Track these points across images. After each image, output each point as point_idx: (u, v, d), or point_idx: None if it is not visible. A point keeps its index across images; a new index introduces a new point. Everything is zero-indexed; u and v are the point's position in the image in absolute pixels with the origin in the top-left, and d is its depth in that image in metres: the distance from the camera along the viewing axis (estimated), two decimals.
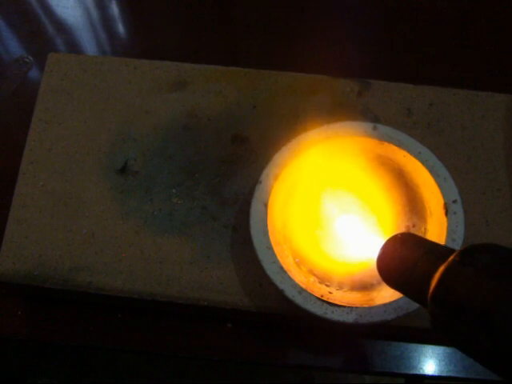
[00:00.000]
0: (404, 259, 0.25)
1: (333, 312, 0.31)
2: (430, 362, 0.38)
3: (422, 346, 0.38)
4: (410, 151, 0.34)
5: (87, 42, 0.50)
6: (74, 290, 0.36)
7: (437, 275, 0.21)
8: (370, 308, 0.31)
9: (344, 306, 0.31)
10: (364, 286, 0.34)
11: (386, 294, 0.32)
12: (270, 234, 0.33)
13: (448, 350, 0.38)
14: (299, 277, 0.33)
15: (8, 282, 0.37)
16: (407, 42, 0.49)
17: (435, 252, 0.23)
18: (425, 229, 0.34)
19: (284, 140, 0.35)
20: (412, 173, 0.35)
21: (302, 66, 0.43)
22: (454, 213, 0.32)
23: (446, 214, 0.32)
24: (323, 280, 0.34)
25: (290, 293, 0.32)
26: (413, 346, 0.38)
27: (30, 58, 0.49)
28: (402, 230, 0.35)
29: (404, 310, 0.31)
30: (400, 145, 0.35)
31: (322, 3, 0.51)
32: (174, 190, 0.38)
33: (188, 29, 0.50)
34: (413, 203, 0.35)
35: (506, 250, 0.20)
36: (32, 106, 0.40)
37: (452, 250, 0.23)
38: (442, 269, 0.21)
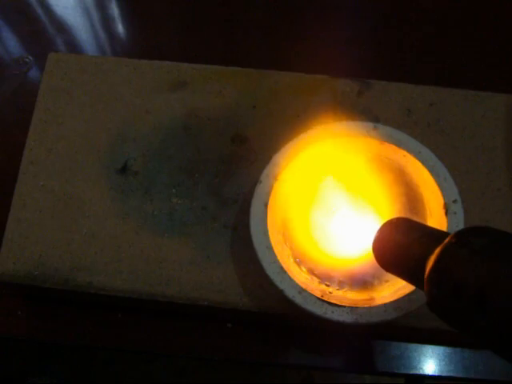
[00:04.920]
0: (399, 243, 0.25)
1: (333, 312, 0.31)
2: (429, 362, 0.38)
3: (422, 345, 0.38)
4: (410, 151, 0.34)
5: (87, 42, 0.50)
6: (74, 289, 0.36)
7: (433, 257, 0.21)
8: (370, 308, 0.31)
9: (344, 306, 0.31)
10: (364, 286, 0.34)
11: (386, 294, 0.32)
12: (270, 234, 0.33)
13: (448, 349, 0.38)
14: (299, 277, 0.33)
15: (8, 282, 0.37)
16: (407, 42, 0.49)
17: (430, 235, 0.24)
18: None
19: (284, 140, 0.35)
20: (412, 173, 0.35)
21: (301, 66, 0.43)
22: (454, 213, 0.32)
23: (446, 213, 0.32)
24: (323, 280, 0.34)
25: (290, 293, 0.32)
26: (413, 346, 0.38)
27: (30, 57, 0.49)
28: None
29: (404, 310, 0.31)
30: (400, 145, 0.35)
31: (322, 3, 0.51)
32: (173, 190, 0.38)
33: (188, 29, 0.50)
34: (413, 203, 0.35)
35: (501, 232, 0.20)
36: (32, 105, 0.40)
37: (447, 233, 0.23)
38: (437, 250, 0.21)
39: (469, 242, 0.20)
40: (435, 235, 0.24)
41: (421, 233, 0.24)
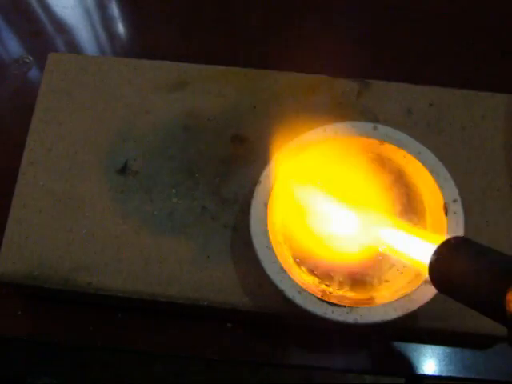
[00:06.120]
0: (463, 269, 0.23)
1: (333, 312, 0.31)
2: (429, 362, 0.38)
3: (422, 346, 0.38)
4: (410, 151, 0.34)
5: (87, 42, 0.50)
6: (73, 289, 0.36)
7: None
8: (370, 308, 0.31)
9: (344, 306, 0.31)
10: (364, 286, 0.34)
11: (386, 294, 0.32)
12: (270, 233, 0.33)
13: (448, 349, 0.38)
14: (299, 277, 0.33)
15: (8, 282, 0.37)
16: (407, 42, 0.49)
17: (502, 263, 0.22)
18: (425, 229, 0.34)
19: (284, 140, 0.35)
20: (412, 173, 0.35)
21: (301, 66, 0.43)
22: (454, 213, 0.32)
23: (446, 214, 0.32)
24: (323, 280, 0.34)
25: (290, 293, 0.32)
26: (413, 346, 0.38)
27: (30, 57, 0.49)
28: None
29: (404, 310, 0.31)
30: (400, 145, 0.35)
31: (322, 3, 0.51)
32: (173, 190, 0.38)
33: (188, 29, 0.50)
34: (413, 203, 0.35)
35: None
36: (32, 106, 0.40)
37: None
38: None
39: None
40: (508, 263, 0.22)
41: (489, 259, 0.22)
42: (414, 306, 0.31)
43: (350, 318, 0.31)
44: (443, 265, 0.24)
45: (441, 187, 0.33)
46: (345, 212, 0.34)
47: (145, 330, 0.39)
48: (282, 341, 0.39)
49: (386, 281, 0.33)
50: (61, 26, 0.51)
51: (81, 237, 0.37)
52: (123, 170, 0.39)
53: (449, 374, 0.38)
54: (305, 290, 0.32)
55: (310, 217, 0.35)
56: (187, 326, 0.39)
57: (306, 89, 0.40)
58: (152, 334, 0.39)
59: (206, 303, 0.35)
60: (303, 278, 0.33)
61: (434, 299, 0.31)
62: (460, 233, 0.32)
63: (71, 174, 0.39)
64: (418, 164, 0.34)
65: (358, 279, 0.34)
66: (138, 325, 0.39)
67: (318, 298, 0.31)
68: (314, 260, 0.34)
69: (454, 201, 0.33)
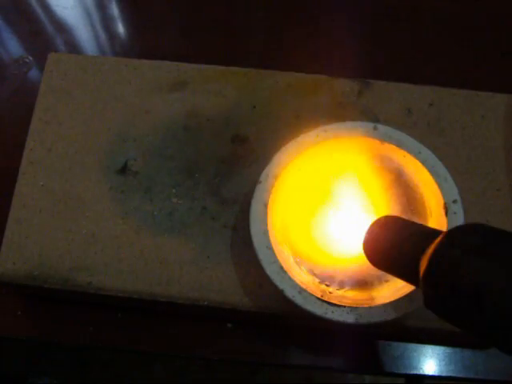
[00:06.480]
0: (389, 242, 0.26)
1: (333, 312, 0.31)
2: (429, 362, 0.38)
3: (422, 346, 0.38)
4: (410, 151, 0.34)
5: (87, 42, 0.50)
6: (73, 290, 0.36)
7: (426, 257, 0.21)
8: (370, 308, 0.31)
9: (344, 306, 0.31)
10: (364, 286, 0.34)
11: (386, 294, 0.32)
12: (269, 233, 0.33)
13: (448, 349, 0.38)
14: (299, 277, 0.33)
15: (8, 282, 0.37)
16: (407, 42, 0.49)
17: (420, 233, 0.24)
18: None
19: (284, 140, 0.35)
20: (412, 173, 0.35)
21: (301, 66, 0.43)
22: (454, 213, 0.32)
23: (446, 214, 0.32)
24: (323, 280, 0.34)
25: (290, 293, 0.32)
26: (413, 346, 0.38)
27: (30, 58, 0.49)
28: None
29: (404, 310, 0.31)
30: (400, 145, 0.35)
31: (322, 3, 0.51)
32: (173, 190, 0.38)
33: (188, 29, 0.50)
34: (413, 203, 0.35)
35: (492, 229, 0.21)
36: (32, 106, 0.40)
37: (437, 231, 0.23)
38: (430, 251, 0.21)
39: (461, 241, 0.20)
40: (425, 233, 0.24)
41: (411, 231, 0.25)
42: (413, 306, 0.31)
43: (350, 318, 0.31)
44: (374, 241, 0.27)
45: (441, 187, 0.33)
46: (344, 212, 0.34)
47: (145, 329, 0.39)
48: (282, 341, 0.39)
49: (386, 281, 0.33)
50: (61, 26, 0.51)
51: (81, 237, 0.37)
52: (123, 169, 0.39)
53: (449, 374, 0.38)
54: (305, 290, 0.32)
55: (310, 217, 0.35)
56: (187, 326, 0.39)
57: (306, 89, 0.40)
58: (152, 334, 0.39)
59: (205, 303, 0.35)
60: (303, 278, 0.33)
61: None
62: None
63: (71, 173, 0.39)
64: (418, 164, 0.34)
65: (358, 279, 0.34)
66: (138, 325, 0.39)
67: (318, 298, 0.31)
68: (314, 260, 0.34)
69: (454, 201, 0.33)
